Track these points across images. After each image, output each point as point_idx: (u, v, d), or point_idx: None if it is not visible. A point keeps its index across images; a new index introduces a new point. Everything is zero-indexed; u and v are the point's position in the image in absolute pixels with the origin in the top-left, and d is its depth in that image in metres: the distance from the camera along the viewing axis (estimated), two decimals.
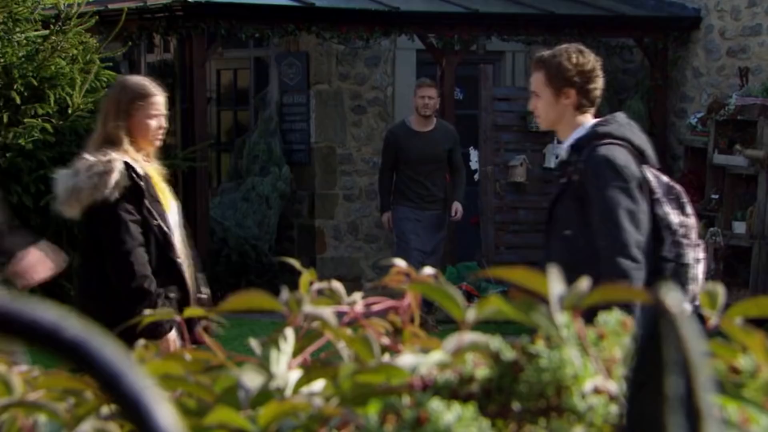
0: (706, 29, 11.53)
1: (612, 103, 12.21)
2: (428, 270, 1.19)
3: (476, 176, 11.59)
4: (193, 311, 1.25)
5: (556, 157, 4.42)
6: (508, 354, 0.98)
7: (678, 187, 4.22)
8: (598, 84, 4.20)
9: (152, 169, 4.47)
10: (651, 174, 4.15)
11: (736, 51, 11.24)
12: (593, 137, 4.12)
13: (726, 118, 10.31)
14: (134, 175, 4.32)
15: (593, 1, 12.06)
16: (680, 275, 4.12)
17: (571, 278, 4.08)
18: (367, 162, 11.73)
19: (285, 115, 11.95)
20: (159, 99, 4.45)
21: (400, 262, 1.23)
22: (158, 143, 4.49)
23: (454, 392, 0.97)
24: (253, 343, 1.12)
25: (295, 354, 1.11)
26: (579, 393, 0.95)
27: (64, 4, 9.63)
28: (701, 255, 4.17)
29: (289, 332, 1.12)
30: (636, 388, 0.77)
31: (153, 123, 4.41)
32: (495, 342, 1.01)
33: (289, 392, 1.06)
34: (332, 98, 11.73)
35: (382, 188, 9.82)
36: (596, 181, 4.05)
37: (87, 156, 4.34)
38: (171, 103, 12.51)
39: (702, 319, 1.06)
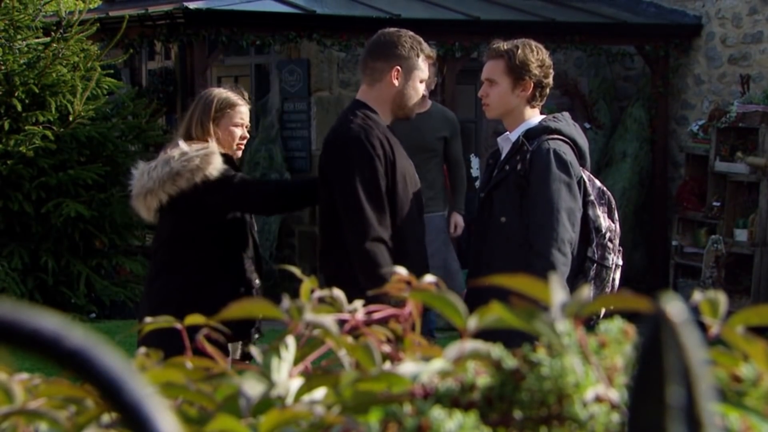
0: (707, 36, 11.53)
1: (613, 110, 12.22)
2: (429, 278, 1.19)
3: (477, 183, 11.60)
4: (194, 319, 1.25)
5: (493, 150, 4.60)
6: (510, 362, 0.98)
7: (609, 192, 4.33)
8: (551, 81, 4.32)
9: None
10: (585, 176, 4.25)
11: (737, 58, 11.24)
12: (543, 131, 4.22)
13: (727, 126, 10.31)
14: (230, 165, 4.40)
15: (594, 9, 12.07)
16: (601, 277, 4.22)
17: (503, 264, 4.10)
18: None
19: (286, 122, 11.95)
20: (244, 109, 4.53)
21: (401, 270, 1.23)
22: (239, 152, 4.57)
23: (455, 400, 0.97)
24: (254, 351, 1.12)
25: (296, 362, 1.11)
26: (580, 401, 0.95)
27: (65, 12, 9.64)
28: (620, 261, 4.29)
29: (291, 340, 1.12)
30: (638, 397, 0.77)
31: (237, 131, 4.48)
32: (496, 350, 1.01)
33: (290, 400, 1.06)
34: (333, 105, 11.73)
35: None
36: (542, 174, 4.11)
37: (181, 144, 4.36)
38: (172, 110, 12.50)
39: (703, 327, 1.06)
